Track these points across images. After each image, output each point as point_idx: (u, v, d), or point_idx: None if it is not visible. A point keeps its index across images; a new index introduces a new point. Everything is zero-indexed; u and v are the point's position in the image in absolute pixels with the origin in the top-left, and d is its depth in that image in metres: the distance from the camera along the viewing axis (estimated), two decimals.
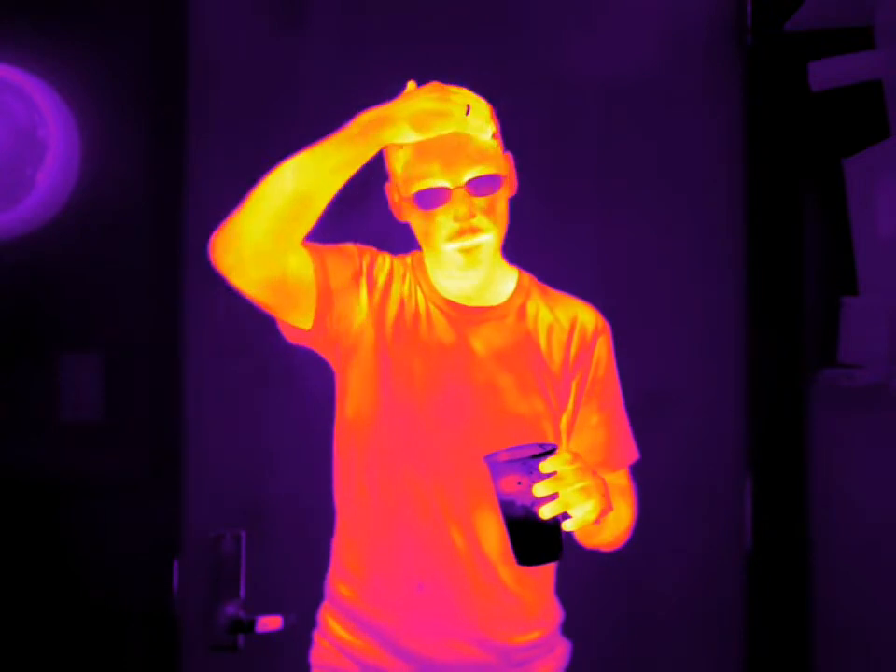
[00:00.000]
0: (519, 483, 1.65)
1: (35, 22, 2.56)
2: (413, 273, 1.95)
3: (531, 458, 1.66)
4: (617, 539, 1.96)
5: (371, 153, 1.73)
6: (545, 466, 1.64)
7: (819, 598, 2.56)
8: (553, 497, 1.65)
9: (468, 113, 1.72)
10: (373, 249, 1.96)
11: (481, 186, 1.83)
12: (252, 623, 2.24)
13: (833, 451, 2.56)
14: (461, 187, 1.82)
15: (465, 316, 1.92)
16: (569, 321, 1.96)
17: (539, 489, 1.64)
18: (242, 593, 2.30)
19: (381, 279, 1.92)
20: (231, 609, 2.28)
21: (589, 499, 1.68)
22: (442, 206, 1.83)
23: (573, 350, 1.94)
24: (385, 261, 1.94)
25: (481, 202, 1.84)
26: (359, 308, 1.88)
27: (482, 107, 1.82)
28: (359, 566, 1.92)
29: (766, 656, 2.57)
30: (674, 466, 2.54)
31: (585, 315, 1.97)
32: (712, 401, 2.60)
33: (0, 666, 2.51)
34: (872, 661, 2.53)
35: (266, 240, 1.72)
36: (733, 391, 2.60)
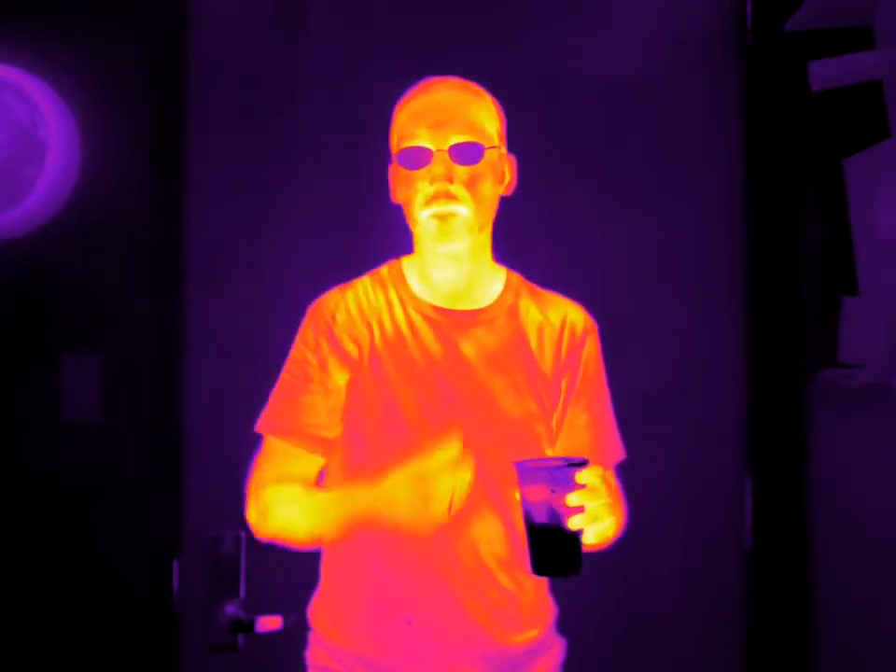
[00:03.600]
0: (552, 490, 1.63)
1: (34, 22, 2.57)
2: (394, 284, 1.93)
3: (566, 467, 1.64)
4: (608, 541, 1.96)
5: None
6: (581, 476, 1.63)
7: (819, 598, 2.56)
8: (580, 509, 1.63)
9: (450, 510, 1.71)
10: (320, 309, 1.92)
11: (463, 153, 1.83)
12: (252, 623, 2.24)
13: (833, 451, 2.56)
14: (444, 150, 1.82)
15: (453, 322, 1.89)
16: (559, 320, 1.95)
17: (573, 498, 1.63)
18: (242, 593, 2.30)
19: (342, 332, 1.89)
20: (231, 609, 2.27)
21: (611, 516, 1.68)
22: (423, 168, 1.83)
23: (563, 349, 1.93)
24: (337, 306, 1.91)
25: (462, 171, 1.83)
26: (341, 373, 1.89)
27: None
28: (348, 594, 1.90)
29: (766, 656, 2.57)
30: (674, 466, 2.54)
31: (575, 315, 1.96)
32: (712, 402, 2.59)
33: (1, 666, 2.51)
34: (872, 661, 2.52)
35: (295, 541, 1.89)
36: (732, 391, 2.60)
